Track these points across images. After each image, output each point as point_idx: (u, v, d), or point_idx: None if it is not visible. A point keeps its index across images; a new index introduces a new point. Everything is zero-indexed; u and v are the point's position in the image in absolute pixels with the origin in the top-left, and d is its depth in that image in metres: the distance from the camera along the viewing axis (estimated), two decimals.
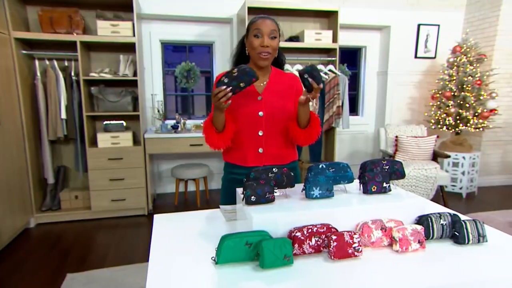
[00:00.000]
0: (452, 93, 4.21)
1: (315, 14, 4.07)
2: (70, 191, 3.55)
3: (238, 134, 1.55)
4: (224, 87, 1.33)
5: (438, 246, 1.16)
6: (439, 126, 4.33)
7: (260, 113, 1.53)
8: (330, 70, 3.90)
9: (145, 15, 3.90)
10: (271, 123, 1.55)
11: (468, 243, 1.15)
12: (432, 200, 3.88)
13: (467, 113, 4.15)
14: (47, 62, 3.35)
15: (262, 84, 1.58)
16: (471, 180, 4.32)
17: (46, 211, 3.44)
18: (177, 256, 1.12)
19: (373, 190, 1.28)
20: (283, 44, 3.78)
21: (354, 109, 5.02)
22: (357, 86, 4.97)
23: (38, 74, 3.33)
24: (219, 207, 1.49)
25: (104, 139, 3.42)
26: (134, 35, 3.37)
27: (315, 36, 3.82)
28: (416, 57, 4.74)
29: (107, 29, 3.31)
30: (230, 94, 1.34)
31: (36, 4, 3.40)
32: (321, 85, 1.39)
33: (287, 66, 3.82)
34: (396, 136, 4.06)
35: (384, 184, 1.29)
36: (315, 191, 1.23)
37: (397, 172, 1.36)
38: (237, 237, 1.06)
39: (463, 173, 4.24)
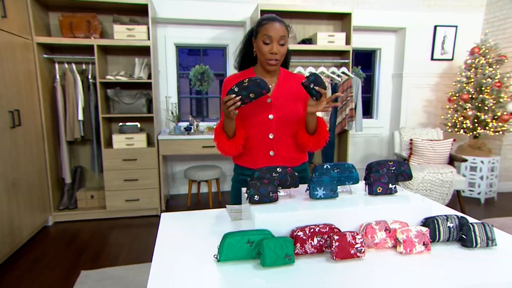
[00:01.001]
0: (470, 96, 4.11)
1: (328, 16, 4.06)
2: (86, 191, 3.65)
3: (249, 137, 1.56)
4: (234, 95, 1.34)
5: (444, 249, 1.14)
6: (456, 129, 4.23)
7: (270, 116, 1.54)
8: (343, 73, 3.88)
9: (160, 19, 3.98)
10: (282, 126, 1.55)
11: (476, 246, 1.12)
12: (448, 205, 3.79)
13: (486, 116, 4.04)
14: (66, 66, 3.47)
15: (271, 86, 1.58)
16: (490, 185, 4.19)
17: (63, 210, 3.55)
18: (181, 253, 1.14)
19: (378, 191, 1.27)
20: (296, 46, 3.79)
21: (368, 112, 4.97)
22: (372, 88, 4.91)
23: (58, 77, 3.44)
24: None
25: (119, 140, 3.51)
26: (149, 39, 3.45)
27: (328, 38, 3.81)
28: (432, 59, 4.64)
29: (123, 33, 3.39)
30: (239, 103, 1.35)
31: (57, 10, 3.53)
32: (326, 91, 1.39)
33: (299, 69, 3.82)
34: (411, 139, 3.99)
35: (390, 185, 1.28)
36: (319, 191, 1.23)
37: (404, 174, 1.34)
38: (239, 235, 1.07)
39: (481, 178, 4.12)
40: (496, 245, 1.13)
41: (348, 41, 3.89)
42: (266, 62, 1.49)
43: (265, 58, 1.48)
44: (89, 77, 3.48)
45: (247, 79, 1.34)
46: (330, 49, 3.87)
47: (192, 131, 3.85)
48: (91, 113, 3.47)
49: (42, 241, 3.10)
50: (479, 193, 4.18)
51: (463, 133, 4.21)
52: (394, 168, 1.34)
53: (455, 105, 4.27)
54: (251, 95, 1.35)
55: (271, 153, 1.57)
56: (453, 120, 4.25)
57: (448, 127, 4.31)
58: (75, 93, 3.38)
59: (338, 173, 1.30)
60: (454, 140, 4.00)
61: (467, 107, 4.09)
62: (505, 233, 1.24)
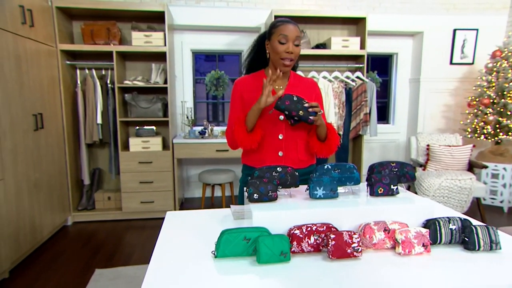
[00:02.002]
0: (491, 100, 3.98)
1: (343, 21, 4.05)
2: (104, 192, 3.76)
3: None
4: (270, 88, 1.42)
5: (445, 251, 1.12)
6: (476, 135, 4.10)
7: (281, 117, 1.56)
8: (357, 77, 3.85)
9: (177, 26, 4.09)
10: (291, 127, 1.57)
11: (478, 249, 1.09)
12: (468, 213, 3.66)
13: (508, 121, 3.89)
14: (87, 71, 3.62)
15: (281, 88, 1.61)
16: None
17: (82, 210, 3.67)
18: (181, 249, 1.17)
19: (379, 192, 1.26)
20: (310, 51, 3.80)
21: (384, 117, 4.89)
22: (388, 93, 4.84)
23: (79, 82, 3.59)
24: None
25: (135, 144, 3.61)
26: (165, 45, 3.55)
27: (342, 43, 3.80)
28: (451, 63, 4.54)
29: (140, 40, 3.51)
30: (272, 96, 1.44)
31: (81, 19, 3.70)
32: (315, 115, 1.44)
33: (313, 73, 3.82)
34: (428, 145, 3.89)
35: (392, 186, 1.26)
36: (319, 191, 1.23)
37: (407, 175, 1.32)
38: (236, 232, 1.09)
39: (504, 185, 3.96)
40: (500, 248, 1.10)
41: (362, 46, 3.86)
42: (281, 62, 1.51)
43: (280, 58, 1.50)
44: (108, 82, 3.61)
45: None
46: (344, 53, 3.86)
47: (206, 135, 3.91)
48: (109, 117, 3.59)
49: (61, 240, 3.21)
50: (501, 202, 4.02)
51: (484, 139, 4.08)
52: (396, 169, 1.32)
53: (475, 110, 4.15)
54: (300, 112, 1.41)
55: (280, 153, 1.59)
56: (473, 126, 4.12)
57: (467, 133, 4.19)
58: (94, 98, 3.52)
59: (339, 173, 1.30)
60: (474, 146, 3.88)
61: (488, 112, 3.97)
62: (510, 236, 1.20)
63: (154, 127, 3.76)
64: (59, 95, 3.37)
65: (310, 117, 1.42)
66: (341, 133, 3.84)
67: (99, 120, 3.52)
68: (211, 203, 4.32)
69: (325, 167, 1.31)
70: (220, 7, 4.10)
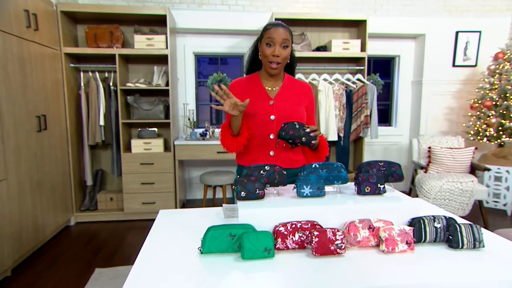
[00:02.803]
0: (494, 103, 3.95)
1: (344, 23, 4.06)
2: (106, 193, 3.81)
3: (250, 137, 1.60)
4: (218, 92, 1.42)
5: (429, 249, 1.13)
6: (478, 137, 4.07)
7: (272, 117, 1.58)
8: (358, 79, 3.86)
9: (180, 29, 4.14)
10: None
11: (462, 247, 1.10)
12: (469, 215, 3.63)
13: (511, 123, 3.86)
14: (90, 74, 3.68)
15: (274, 89, 1.63)
16: None
17: (84, 211, 3.72)
18: (169, 245, 1.20)
19: (366, 190, 1.27)
20: (310, 54, 3.82)
21: (387, 120, 4.88)
22: (391, 96, 4.83)
23: (82, 84, 3.66)
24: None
25: (137, 145, 3.66)
26: (167, 48, 3.60)
27: (343, 45, 3.81)
28: (454, 65, 4.52)
29: (142, 43, 3.57)
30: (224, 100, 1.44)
31: (85, 23, 3.77)
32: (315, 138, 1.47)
33: (313, 76, 3.84)
34: (429, 147, 3.87)
35: (379, 185, 1.27)
36: (306, 190, 1.25)
37: (395, 174, 1.33)
38: (221, 228, 1.11)
39: (507, 188, 3.92)
40: (483, 246, 1.11)
41: (363, 48, 3.87)
42: (268, 65, 1.54)
43: (268, 61, 1.53)
44: (111, 84, 3.67)
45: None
46: (345, 56, 3.87)
47: (208, 137, 3.94)
48: (112, 118, 3.65)
49: (63, 240, 3.26)
50: (504, 205, 3.98)
51: (487, 142, 4.04)
52: (384, 168, 1.33)
53: (478, 113, 4.12)
54: (303, 139, 1.44)
55: (271, 153, 1.61)
56: (476, 128, 4.09)
57: (470, 135, 4.16)
58: (97, 100, 3.58)
59: (326, 172, 1.31)
60: (476, 148, 3.85)
61: (490, 114, 3.94)
62: (496, 235, 1.20)
63: (156, 129, 3.81)
64: (63, 97, 3.44)
65: (312, 142, 1.46)
66: (341, 135, 3.85)
67: (102, 122, 3.58)
68: (213, 204, 4.34)
69: (313, 166, 1.32)
70: (222, 11, 4.15)
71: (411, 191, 4.23)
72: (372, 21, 4.19)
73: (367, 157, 4.55)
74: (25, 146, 2.79)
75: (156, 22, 3.79)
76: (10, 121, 2.59)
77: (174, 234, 1.29)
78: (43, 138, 3.07)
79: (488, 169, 3.68)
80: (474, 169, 3.78)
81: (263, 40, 1.54)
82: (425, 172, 3.86)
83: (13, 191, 2.62)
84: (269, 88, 1.64)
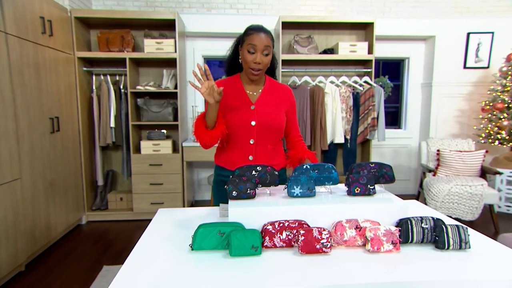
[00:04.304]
0: (506, 105, 3.87)
1: (351, 26, 4.06)
2: (117, 193, 3.91)
3: (230, 140, 1.59)
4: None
5: (415, 249, 1.14)
6: (490, 140, 3.99)
7: (253, 123, 1.57)
8: (365, 82, 3.85)
9: (189, 33, 4.23)
10: (262, 133, 1.59)
11: (448, 248, 1.11)
12: (479, 220, 3.56)
13: None
14: (102, 77, 3.80)
15: (255, 93, 1.63)
16: None
17: (95, 210, 3.83)
18: (162, 241, 1.25)
19: (356, 191, 1.29)
20: (317, 56, 3.83)
21: (396, 122, 4.84)
22: (400, 98, 4.79)
23: (94, 88, 3.78)
24: None
25: (146, 146, 3.75)
26: (175, 51, 3.69)
27: (350, 48, 3.82)
28: (465, 67, 4.45)
29: (152, 46, 3.66)
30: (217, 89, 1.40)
31: (98, 28, 3.90)
32: None
33: (320, 78, 3.85)
34: (438, 150, 3.82)
35: (369, 186, 1.29)
36: (296, 190, 1.28)
37: (386, 176, 1.35)
38: (211, 226, 1.15)
39: None
40: (470, 247, 1.11)
41: (370, 51, 3.86)
42: (250, 72, 1.54)
43: (249, 67, 1.53)
44: (121, 87, 3.78)
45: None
46: (352, 58, 3.88)
47: None
48: (122, 120, 3.75)
49: (74, 238, 3.37)
50: None
51: (499, 145, 3.96)
52: (375, 170, 1.35)
53: (489, 115, 4.04)
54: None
55: (250, 157, 1.60)
56: (487, 131, 4.02)
57: (481, 138, 4.08)
58: (108, 102, 3.69)
59: (317, 173, 1.34)
60: (487, 151, 3.78)
61: (502, 117, 3.86)
62: (484, 236, 1.20)
63: (164, 131, 3.89)
64: (75, 100, 3.56)
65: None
66: (348, 137, 3.84)
67: (113, 124, 3.68)
68: None
69: (304, 167, 1.35)
70: (231, 14, 4.21)
71: (420, 194, 4.18)
72: (381, 23, 4.18)
73: (374, 159, 4.52)
74: (39, 147, 2.90)
75: (165, 27, 3.88)
76: (25, 123, 2.71)
77: (169, 232, 1.34)
78: (56, 140, 3.19)
79: (500, 173, 3.60)
80: (484, 173, 3.71)
81: (244, 45, 1.52)
82: (434, 175, 3.81)
83: (27, 190, 2.74)
84: (250, 92, 1.62)
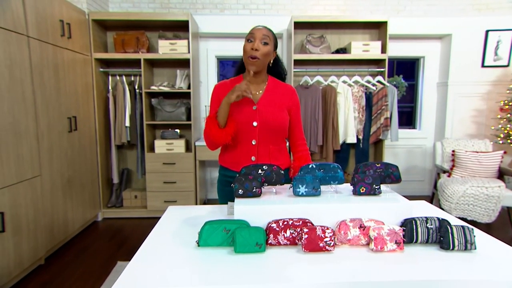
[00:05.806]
0: None
1: (364, 25, 4.03)
2: (131, 191, 4.01)
3: (233, 141, 1.60)
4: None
5: (420, 249, 1.14)
6: (508, 140, 3.88)
7: (254, 123, 1.58)
8: (378, 81, 3.81)
9: (203, 33, 4.29)
10: (265, 133, 1.60)
11: (453, 249, 1.10)
12: (496, 222, 3.48)
13: None
14: (118, 78, 3.90)
15: (258, 93, 1.64)
16: None
17: (111, 207, 3.94)
18: (170, 238, 1.29)
19: (361, 191, 1.30)
20: (330, 56, 3.82)
21: (411, 122, 4.77)
22: (415, 98, 4.72)
23: (110, 88, 3.88)
24: None
25: (160, 145, 3.82)
26: (189, 52, 3.75)
27: (363, 47, 3.79)
28: (483, 66, 4.34)
29: (166, 47, 3.74)
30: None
31: (114, 30, 4.00)
32: None
33: (332, 78, 3.84)
34: (453, 151, 3.75)
35: (374, 186, 1.29)
36: (301, 189, 1.29)
37: (392, 176, 1.34)
38: (217, 223, 1.18)
39: None
40: (475, 248, 1.10)
41: (384, 50, 3.83)
42: (248, 61, 1.54)
43: (247, 56, 1.53)
44: (136, 87, 3.87)
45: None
46: (365, 58, 3.85)
47: None
48: (137, 120, 3.84)
49: (90, 234, 3.48)
50: None
51: None
52: (381, 169, 1.35)
53: (508, 115, 3.93)
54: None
55: (253, 158, 1.61)
56: (506, 131, 3.91)
57: (499, 139, 3.98)
58: (123, 102, 3.78)
59: (323, 172, 1.35)
60: (505, 152, 3.68)
61: None
62: (491, 237, 1.18)
63: (178, 130, 3.96)
64: (92, 100, 3.67)
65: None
66: (360, 137, 3.81)
67: (128, 123, 3.77)
68: None
69: (310, 166, 1.36)
70: (244, 15, 4.24)
71: (434, 196, 4.11)
72: (396, 22, 4.13)
73: (390, 160, 4.47)
74: (57, 145, 3.01)
75: (179, 28, 3.94)
76: (44, 122, 2.82)
77: (177, 229, 1.38)
78: (74, 138, 3.30)
79: None
80: (502, 174, 3.62)
81: (245, 40, 1.57)
82: (449, 176, 3.74)
83: (46, 187, 2.84)
84: (253, 92, 1.63)
